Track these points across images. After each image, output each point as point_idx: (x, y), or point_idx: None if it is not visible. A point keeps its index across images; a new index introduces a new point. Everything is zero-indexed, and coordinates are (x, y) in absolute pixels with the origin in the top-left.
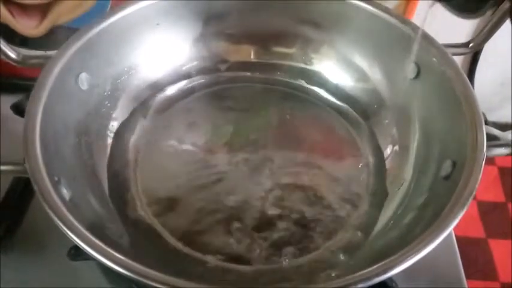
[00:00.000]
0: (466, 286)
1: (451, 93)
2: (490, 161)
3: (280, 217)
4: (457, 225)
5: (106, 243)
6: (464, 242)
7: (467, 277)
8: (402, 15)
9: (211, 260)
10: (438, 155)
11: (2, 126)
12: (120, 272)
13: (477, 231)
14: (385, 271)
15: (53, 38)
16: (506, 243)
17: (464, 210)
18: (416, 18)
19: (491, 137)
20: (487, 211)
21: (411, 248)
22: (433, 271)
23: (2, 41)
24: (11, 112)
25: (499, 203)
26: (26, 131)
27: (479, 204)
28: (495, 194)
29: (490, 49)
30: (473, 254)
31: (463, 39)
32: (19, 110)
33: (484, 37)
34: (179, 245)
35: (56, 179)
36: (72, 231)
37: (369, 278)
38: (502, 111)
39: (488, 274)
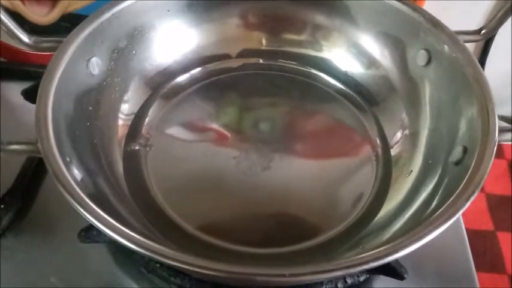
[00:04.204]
0: (476, 277)
1: (463, 79)
2: (499, 154)
3: (290, 202)
4: (466, 217)
5: (119, 223)
6: (472, 235)
7: (476, 269)
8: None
9: (224, 244)
10: (449, 140)
11: (12, 113)
12: (136, 250)
13: (486, 224)
14: (395, 251)
15: (63, 26)
16: None
17: (475, 194)
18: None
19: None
20: (496, 204)
21: (420, 230)
22: (443, 262)
23: (15, 26)
24: (21, 98)
25: (508, 196)
26: (38, 111)
27: (488, 197)
28: (504, 187)
29: (500, 41)
30: (482, 247)
31: (474, 28)
32: (29, 96)
33: (496, 24)
34: (190, 229)
35: (68, 159)
36: (86, 210)
37: (377, 258)
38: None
39: (496, 266)
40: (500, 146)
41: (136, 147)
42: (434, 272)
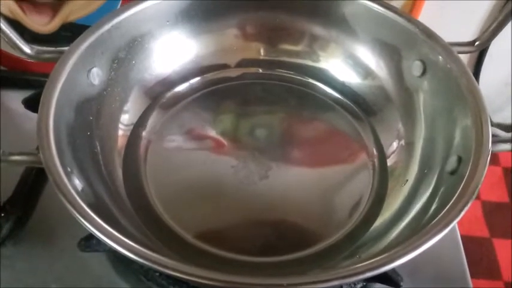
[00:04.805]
0: (471, 284)
1: (457, 90)
2: (494, 161)
3: (288, 211)
4: (462, 224)
5: (119, 233)
6: (468, 241)
7: (471, 276)
8: (409, 14)
9: (222, 253)
10: (444, 150)
11: (12, 122)
12: (135, 259)
13: (481, 231)
14: (391, 261)
15: (63, 35)
16: (510, 243)
17: (470, 204)
18: (422, 17)
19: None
20: (491, 211)
21: (415, 240)
22: (438, 269)
23: (16, 36)
24: (21, 107)
25: (503, 203)
26: (40, 120)
27: (484, 204)
28: (499, 195)
29: (495, 50)
30: (477, 254)
31: (468, 39)
32: (30, 104)
33: (490, 35)
34: (189, 238)
35: (69, 169)
36: (87, 220)
37: (374, 268)
38: (507, 112)
39: (491, 273)
40: (495, 154)
41: (136, 156)
42: (429, 278)
